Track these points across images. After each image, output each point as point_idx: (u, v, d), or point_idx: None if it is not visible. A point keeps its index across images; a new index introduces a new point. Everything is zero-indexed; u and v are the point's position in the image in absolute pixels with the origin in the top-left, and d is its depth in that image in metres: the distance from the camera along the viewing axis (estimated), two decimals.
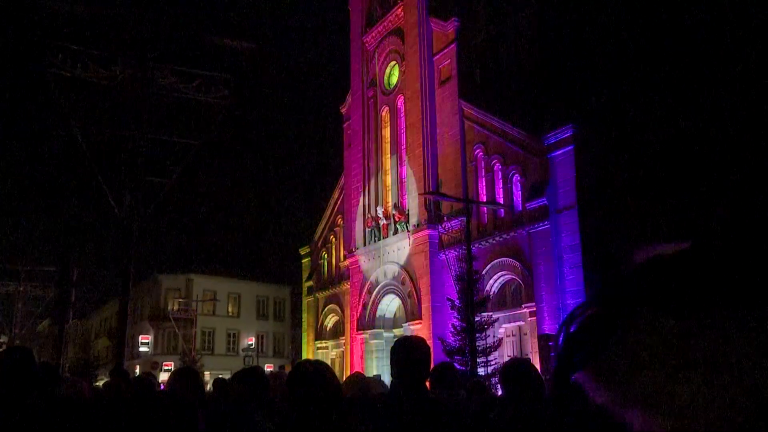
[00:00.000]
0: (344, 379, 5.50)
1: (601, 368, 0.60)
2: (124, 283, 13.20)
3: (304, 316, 40.87)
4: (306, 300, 40.89)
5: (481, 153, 27.91)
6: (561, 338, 0.64)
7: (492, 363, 21.83)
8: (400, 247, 30.91)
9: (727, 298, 0.52)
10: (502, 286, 26.64)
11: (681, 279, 0.55)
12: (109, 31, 15.47)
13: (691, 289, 0.54)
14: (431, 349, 3.35)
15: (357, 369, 28.38)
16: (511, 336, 25.92)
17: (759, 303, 0.51)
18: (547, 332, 22.12)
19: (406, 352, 3.11)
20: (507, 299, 26.41)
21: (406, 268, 30.30)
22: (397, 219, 31.38)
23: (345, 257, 35.78)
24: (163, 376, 38.30)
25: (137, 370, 38.39)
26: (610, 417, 0.60)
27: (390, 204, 33.38)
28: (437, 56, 30.75)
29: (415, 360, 3.08)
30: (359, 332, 33.14)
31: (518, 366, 3.65)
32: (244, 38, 15.73)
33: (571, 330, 0.63)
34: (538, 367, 12.51)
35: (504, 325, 25.87)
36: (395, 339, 2.94)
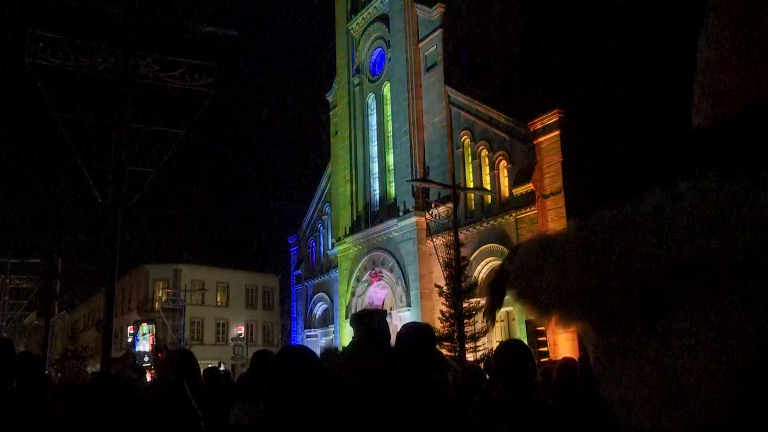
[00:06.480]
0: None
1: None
2: (110, 274, 13.07)
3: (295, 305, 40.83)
4: (298, 289, 40.83)
5: (467, 139, 27.91)
6: (497, 281, 0.95)
7: (480, 349, 21.96)
8: (388, 235, 30.92)
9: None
10: (490, 272, 26.75)
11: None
12: (89, 20, 15.25)
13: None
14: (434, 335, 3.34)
15: None
16: (500, 322, 26.06)
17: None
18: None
19: (412, 337, 3.11)
20: None
21: (394, 255, 30.32)
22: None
23: (333, 245, 35.73)
24: None
25: None
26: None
27: (377, 192, 33.34)
28: (423, 42, 30.61)
29: (420, 345, 3.08)
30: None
31: (515, 346, 3.58)
32: (227, 26, 15.54)
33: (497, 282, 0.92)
34: None
35: None
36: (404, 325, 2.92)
